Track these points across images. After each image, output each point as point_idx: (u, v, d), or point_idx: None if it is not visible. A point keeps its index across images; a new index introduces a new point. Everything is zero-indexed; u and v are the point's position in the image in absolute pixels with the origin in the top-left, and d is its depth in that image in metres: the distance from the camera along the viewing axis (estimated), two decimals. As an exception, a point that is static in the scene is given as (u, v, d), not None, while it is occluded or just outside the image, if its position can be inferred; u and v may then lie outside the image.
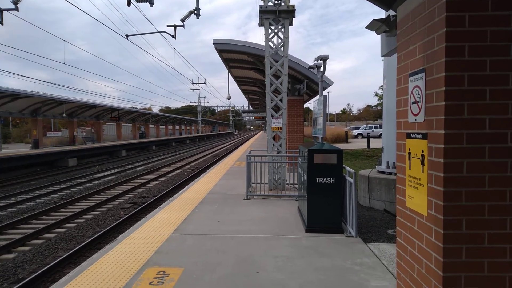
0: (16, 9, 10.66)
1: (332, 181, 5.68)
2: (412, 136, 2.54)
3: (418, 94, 2.44)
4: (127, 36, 14.64)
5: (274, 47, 9.32)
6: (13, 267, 6.49)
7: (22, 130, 52.93)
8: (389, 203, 8.04)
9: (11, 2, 10.45)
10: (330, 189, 5.68)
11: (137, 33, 15.62)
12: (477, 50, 2.12)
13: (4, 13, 11.42)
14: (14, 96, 21.95)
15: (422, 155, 2.37)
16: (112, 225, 8.66)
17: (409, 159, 2.59)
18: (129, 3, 11.21)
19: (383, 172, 8.71)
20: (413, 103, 2.53)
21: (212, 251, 4.86)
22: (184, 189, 9.78)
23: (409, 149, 2.59)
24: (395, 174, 8.23)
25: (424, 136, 2.35)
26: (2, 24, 10.87)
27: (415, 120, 2.49)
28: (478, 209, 2.13)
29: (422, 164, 2.37)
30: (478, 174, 2.13)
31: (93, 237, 7.79)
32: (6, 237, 8.29)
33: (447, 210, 2.13)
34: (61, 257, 6.61)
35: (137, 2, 11.70)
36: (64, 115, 29.41)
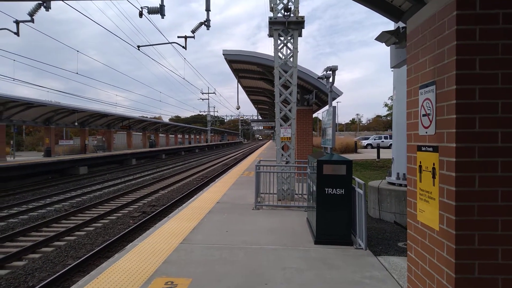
0: (32, 20, 10.93)
1: (342, 192, 5.63)
2: (423, 149, 2.52)
3: (429, 107, 2.43)
4: (138, 46, 14.88)
5: (283, 57, 9.37)
6: (23, 274, 6.55)
7: (34, 138, 53.78)
8: (399, 215, 7.93)
9: (27, 14, 10.73)
10: (339, 200, 5.63)
11: (148, 43, 15.85)
12: (488, 63, 2.11)
13: (20, 24, 11.72)
14: (27, 105, 22.38)
15: (433, 168, 2.35)
16: (121, 234, 8.70)
17: (420, 172, 2.56)
18: (141, 15, 11.40)
19: (393, 184, 8.61)
20: (423, 115, 2.52)
21: (220, 262, 4.83)
22: (193, 198, 9.79)
23: (420, 162, 2.57)
24: (405, 185, 8.13)
25: (435, 149, 2.33)
26: (18, 35, 11.16)
27: (426, 132, 2.47)
28: (491, 224, 2.10)
29: (433, 177, 2.35)
30: (491, 188, 2.10)
31: (102, 245, 7.83)
32: (17, 244, 8.39)
33: (459, 224, 2.10)
34: (71, 265, 6.65)
35: (149, 14, 11.90)
36: (76, 123, 29.85)
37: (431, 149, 2.40)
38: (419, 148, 2.58)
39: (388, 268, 4.68)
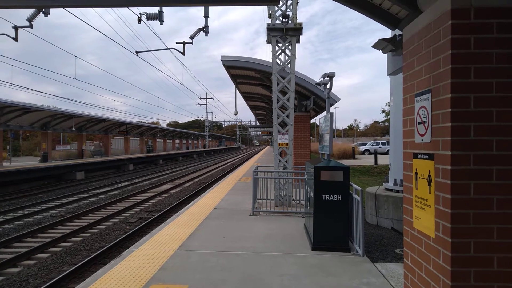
0: (31, 26, 10.97)
1: (339, 199, 5.64)
2: (419, 156, 2.53)
3: (424, 115, 2.44)
4: (137, 52, 14.93)
5: (281, 64, 9.42)
6: (17, 281, 6.48)
7: (31, 143, 53.59)
8: (396, 221, 7.93)
9: (26, 19, 10.77)
10: (336, 207, 5.63)
11: (147, 49, 15.91)
12: (483, 72, 2.14)
13: (18, 29, 11.74)
14: (24, 109, 22.33)
15: (429, 176, 2.36)
16: (118, 240, 8.64)
17: (416, 179, 2.58)
18: (139, 21, 11.46)
19: (391, 190, 8.62)
20: (419, 123, 2.54)
21: (217, 268, 4.81)
22: (190, 204, 9.76)
23: (416, 169, 2.58)
24: (402, 192, 8.14)
25: (431, 157, 2.35)
26: (17, 40, 11.19)
27: (422, 140, 2.49)
28: (487, 232, 2.11)
29: (429, 185, 2.36)
30: (486, 196, 2.11)
31: (98, 251, 7.78)
32: (12, 251, 8.32)
33: (454, 232, 2.11)
34: (66, 272, 6.59)
35: (148, 20, 11.96)
36: (73, 129, 29.77)
37: (426, 156, 2.41)
38: (415, 156, 2.60)
39: (386, 274, 4.67)
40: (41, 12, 10.49)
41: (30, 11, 11.00)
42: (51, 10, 11.11)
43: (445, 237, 2.17)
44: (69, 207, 13.67)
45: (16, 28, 11.31)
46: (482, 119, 2.12)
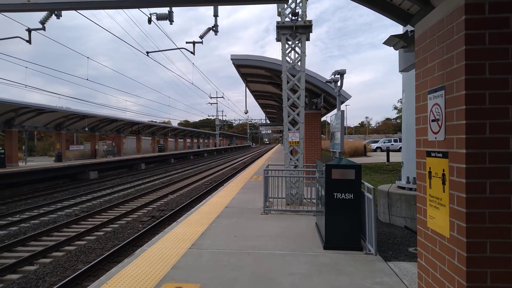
0: (43, 28, 11.15)
1: (351, 197, 5.59)
2: (432, 154, 2.48)
3: (438, 112, 2.40)
4: (147, 52, 15.05)
5: (291, 62, 9.38)
6: (34, 279, 6.62)
7: (46, 144, 54.52)
8: (410, 220, 7.83)
9: (39, 22, 10.95)
10: (348, 205, 5.59)
11: (157, 49, 16.01)
12: (498, 67, 2.08)
13: (32, 32, 11.95)
14: (39, 111, 22.73)
15: (443, 175, 2.32)
16: (131, 239, 8.75)
17: (430, 178, 2.53)
18: (149, 21, 11.54)
19: (403, 188, 8.51)
20: (432, 121, 2.49)
21: (229, 267, 4.83)
22: (202, 203, 9.81)
23: (429, 168, 2.53)
24: (415, 189, 8.02)
25: (445, 155, 2.30)
26: (30, 43, 11.39)
27: (435, 138, 2.44)
28: (503, 231, 2.06)
29: (443, 183, 2.32)
30: (502, 195, 2.06)
31: (112, 250, 7.88)
32: (28, 249, 8.50)
33: (470, 232, 2.07)
34: (81, 270, 6.70)
35: (157, 20, 12.03)
36: (86, 129, 30.21)
37: (440, 155, 2.36)
38: (429, 154, 2.55)
39: (399, 274, 4.62)
40: (53, 14, 10.65)
41: (42, 14, 11.19)
42: (63, 12, 11.28)
43: (460, 237, 2.12)
44: (83, 206, 13.89)
45: (29, 30, 11.51)
46: (498, 116, 2.07)
